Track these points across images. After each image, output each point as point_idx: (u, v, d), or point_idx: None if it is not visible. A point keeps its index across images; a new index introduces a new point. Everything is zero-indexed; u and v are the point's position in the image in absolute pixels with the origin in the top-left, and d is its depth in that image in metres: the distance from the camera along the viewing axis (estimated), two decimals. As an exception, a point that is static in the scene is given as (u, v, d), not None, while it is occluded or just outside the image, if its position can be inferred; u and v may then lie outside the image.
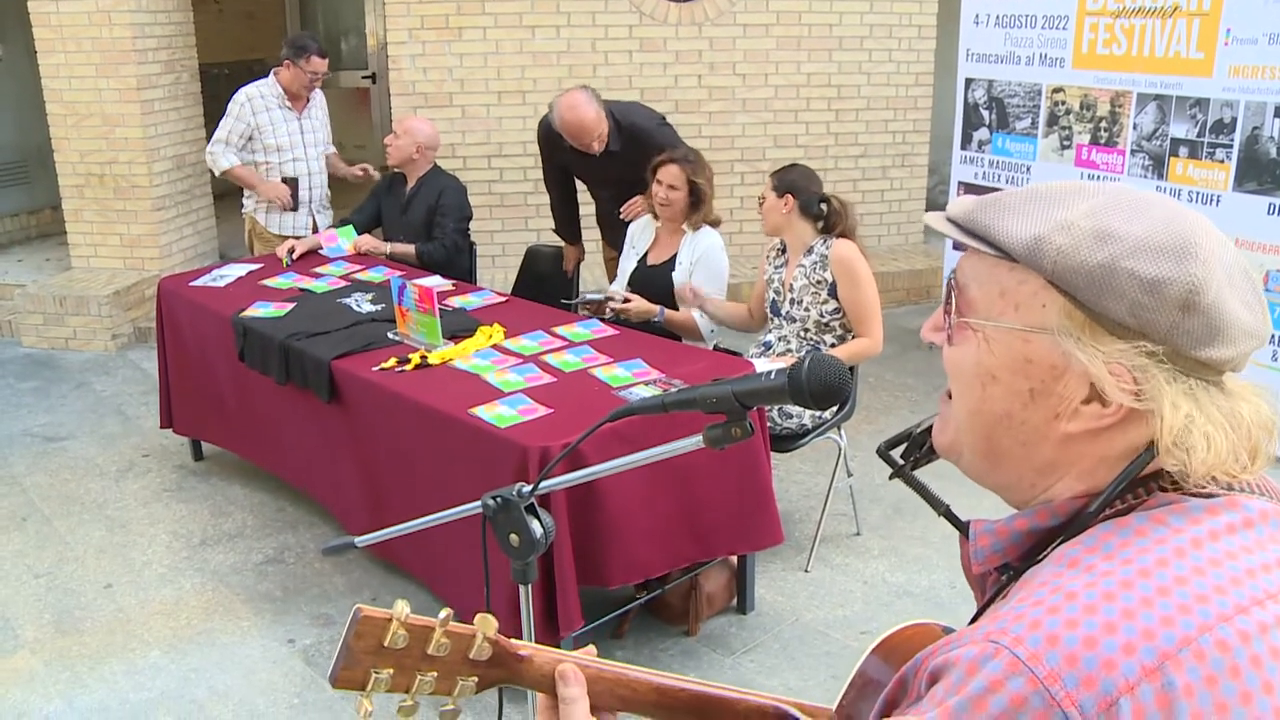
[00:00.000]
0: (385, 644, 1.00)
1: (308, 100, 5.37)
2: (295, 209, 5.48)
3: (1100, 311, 0.90)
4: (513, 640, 1.10)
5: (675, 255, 4.29)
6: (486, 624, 1.05)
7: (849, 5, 7.12)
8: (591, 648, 1.18)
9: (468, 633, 1.05)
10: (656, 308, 4.19)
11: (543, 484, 1.74)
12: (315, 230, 5.46)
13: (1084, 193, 0.95)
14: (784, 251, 4.14)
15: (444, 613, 1.03)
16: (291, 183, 5.40)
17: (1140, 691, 0.79)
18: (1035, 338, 0.93)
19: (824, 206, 3.96)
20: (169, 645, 3.68)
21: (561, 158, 5.01)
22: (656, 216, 4.37)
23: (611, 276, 4.99)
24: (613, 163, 4.78)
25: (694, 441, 1.58)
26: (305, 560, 4.18)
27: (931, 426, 1.10)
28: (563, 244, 5.36)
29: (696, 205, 4.24)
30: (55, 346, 6.90)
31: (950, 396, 1.05)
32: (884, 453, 1.17)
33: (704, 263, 4.22)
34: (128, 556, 4.27)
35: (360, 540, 1.92)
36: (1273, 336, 4.72)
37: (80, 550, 4.34)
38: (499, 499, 1.74)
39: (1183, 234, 0.90)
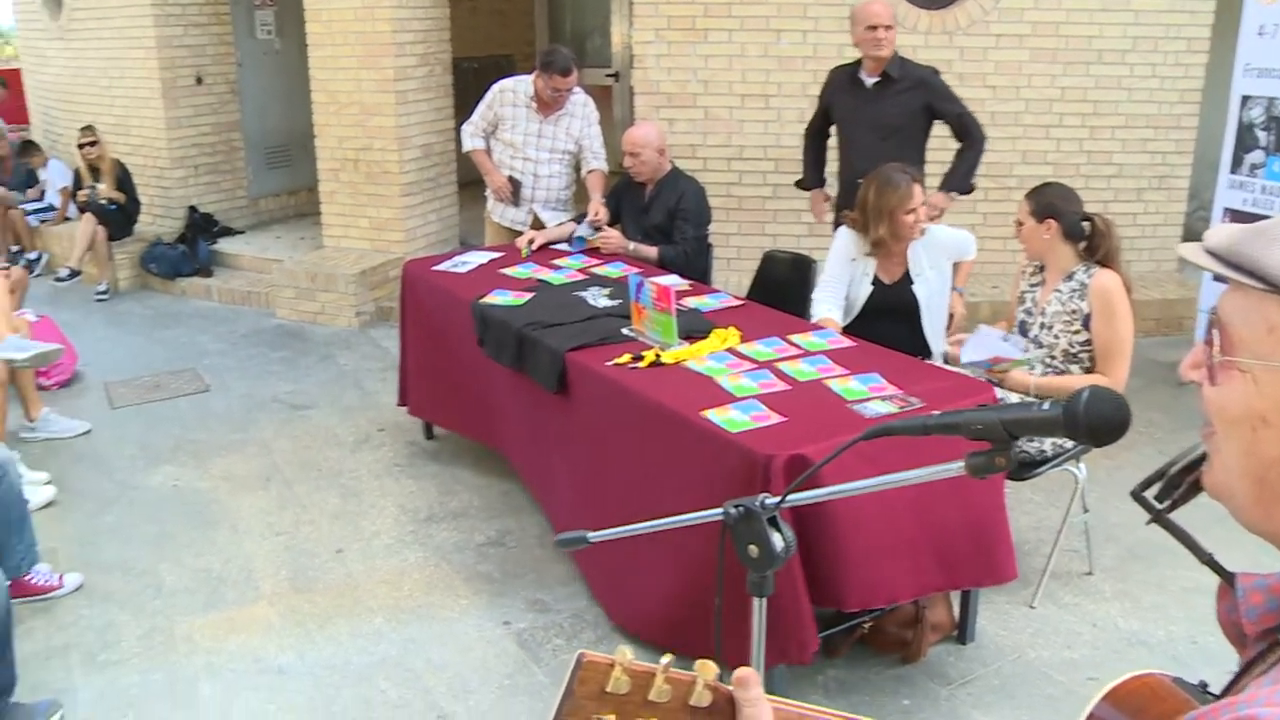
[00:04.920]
0: (607, 689, 1.02)
1: (559, 108, 5.47)
2: (516, 205, 5.62)
3: None
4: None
5: (906, 271, 4.18)
6: (706, 669, 1.05)
7: (1112, 16, 6.76)
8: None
9: (687, 679, 1.05)
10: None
11: (789, 497, 1.69)
12: (537, 225, 5.57)
13: None
14: (1041, 270, 3.95)
15: (665, 659, 1.04)
16: (514, 181, 5.55)
17: None
18: None
19: (1086, 227, 3.76)
20: (391, 614, 3.82)
21: (833, 97, 5.21)
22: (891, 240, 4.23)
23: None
24: (884, 96, 4.97)
25: (955, 468, 1.53)
26: (525, 546, 4.26)
27: (1188, 464, 1.01)
28: (809, 192, 5.52)
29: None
30: (304, 319, 7.32)
31: (1213, 433, 0.97)
32: (1139, 496, 1.10)
33: (947, 248, 4.26)
34: (358, 525, 4.46)
35: (594, 536, 1.92)
36: None
37: (316, 514, 4.56)
38: (741, 508, 1.69)
39: None
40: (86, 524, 4.53)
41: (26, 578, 3.87)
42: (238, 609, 3.88)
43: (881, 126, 4.96)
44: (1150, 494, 1.12)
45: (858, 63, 5.08)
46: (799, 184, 5.60)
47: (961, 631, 3.59)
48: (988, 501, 3.31)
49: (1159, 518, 1.10)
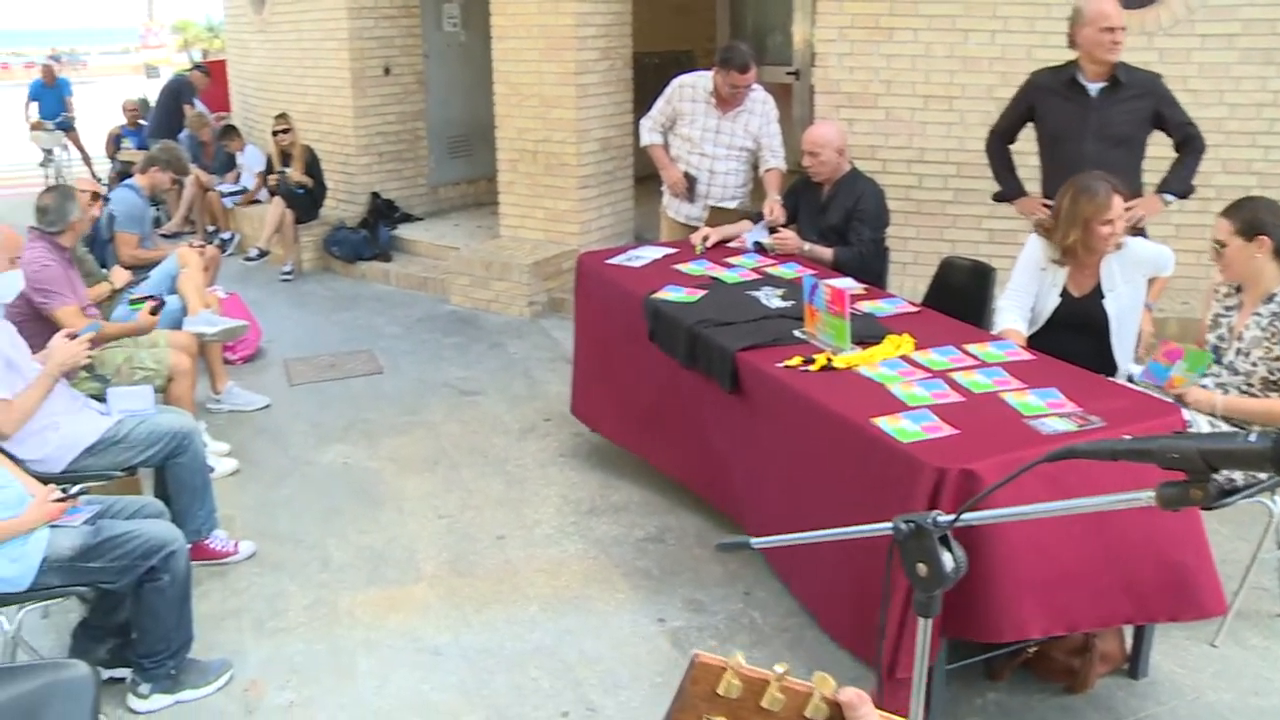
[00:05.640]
0: (719, 692, 1.01)
1: (738, 105, 5.41)
2: (691, 201, 5.59)
3: None
4: None
5: (1098, 284, 3.97)
6: (824, 683, 1.03)
7: (1341, 12, 6.28)
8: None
9: (804, 690, 1.03)
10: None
11: (963, 516, 1.61)
12: (712, 222, 5.51)
13: None
14: (1238, 291, 3.70)
15: (779, 667, 1.02)
16: (689, 177, 5.50)
17: None
18: None
19: None
20: (547, 603, 3.84)
21: (1044, 103, 4.80)
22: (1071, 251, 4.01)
23: None
24: (1110, 103, 4.61)
25: (1144, 497, 1.44)
26: (684, 544, 4.23)
27: None
28: (1015, 201, 5.06)
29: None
30: (478, 307, 7.47)
31: None
32: None
33: (1143, 263, 4.01)
34: (520, 512, 4.51)
35: (756, 542, 1.87)
36: None
37: (480, 500, 4.63)
38: (912, 524, 1.62)
39: None
40: (262, 495, 4.71)
41: (206, 542, 4.05)
42: (398, 588, 3.97)
43: (1109, 136, 4.59)
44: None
45: (1069, 65, 4.73)
46: (999, 197, 5.17)
47: (1133, 665, 3.38)
48: (1184, 527, 3.09)
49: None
